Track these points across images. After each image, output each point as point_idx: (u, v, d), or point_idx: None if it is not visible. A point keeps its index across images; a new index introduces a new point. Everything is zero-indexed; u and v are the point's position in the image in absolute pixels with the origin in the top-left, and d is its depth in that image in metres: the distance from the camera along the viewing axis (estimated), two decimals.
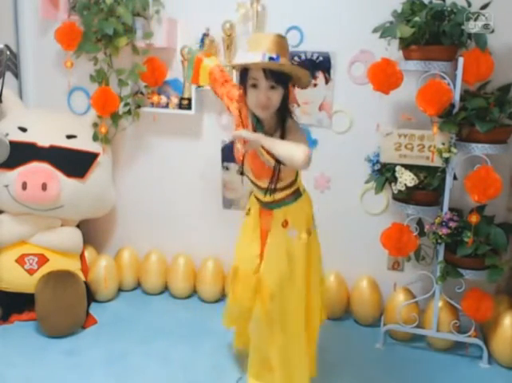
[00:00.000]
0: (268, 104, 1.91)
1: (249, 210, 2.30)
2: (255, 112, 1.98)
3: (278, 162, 1.93)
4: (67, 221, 2.99)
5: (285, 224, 2.10)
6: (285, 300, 2.09)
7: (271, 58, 1.84)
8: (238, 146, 2.08)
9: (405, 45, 2.42)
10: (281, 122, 1.99)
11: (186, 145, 3.16)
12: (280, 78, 1.89)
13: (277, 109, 1.96)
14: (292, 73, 1.94)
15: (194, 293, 3.21)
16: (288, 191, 2.11)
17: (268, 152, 1.92)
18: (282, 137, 1.95)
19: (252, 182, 2.16)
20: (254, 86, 1.91)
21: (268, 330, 2.12)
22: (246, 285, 2.21)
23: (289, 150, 1.83)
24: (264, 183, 2.07)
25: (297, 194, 2.15)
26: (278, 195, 2.10)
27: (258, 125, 2.01)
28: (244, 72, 1.95)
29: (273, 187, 2.02)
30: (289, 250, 2.09)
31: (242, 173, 2.14)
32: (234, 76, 2.57)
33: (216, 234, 3.18)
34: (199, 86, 2.82)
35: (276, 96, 1.92)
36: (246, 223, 2.31)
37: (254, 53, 1.87)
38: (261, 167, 2.03)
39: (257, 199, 2.21)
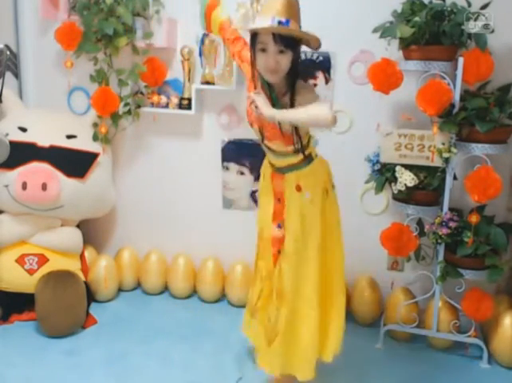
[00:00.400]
0: (277, 68, 1.91)
1: (263, 176, 2.29)
2: (264, 76, 1.98)
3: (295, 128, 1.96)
4: (67, 221, 2.99)
5: (298, 188, 2.08)
6: (298, 262, 2.09)
7: (280, 22, 1.83)
8: (253, 109, 2.03)
9: (405, 45, 2.42)
10: (291, 86, 1.97)
11: (186, 145, 3.16)
12: (289, 42, 1.88)
13: (287, 73, 1.95)
14: (302, 37, 1.93)
15: (194, 293, 3.21)
16: (300, 156, 2.09)
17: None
18: (292, 99, 1.95)
19: (264, 145, 2.15)
20: (263, 50, 1.91)
21: (281, 295, 2.10)
22: (269, 245, 2.21)
23: (312, 115, 1.85)
24: (277, 146, 2.07)
25: (309, 159, 2.12)
26: (291, 160, 2.09)
27: (269, 89, 2.00)
28: (254, 36, 1.94)
29: (300, 146, 2.03)
30: (303, 212, 2.08)
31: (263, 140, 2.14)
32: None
33: (216, 234, 3.18)
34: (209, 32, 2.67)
35: (285, 61, 1.91)
36: (261, 188, 2.31)
37: (264, 17, 1.86)
38: (274, 131, 2.02)
39: (270, 164, 2.19)
